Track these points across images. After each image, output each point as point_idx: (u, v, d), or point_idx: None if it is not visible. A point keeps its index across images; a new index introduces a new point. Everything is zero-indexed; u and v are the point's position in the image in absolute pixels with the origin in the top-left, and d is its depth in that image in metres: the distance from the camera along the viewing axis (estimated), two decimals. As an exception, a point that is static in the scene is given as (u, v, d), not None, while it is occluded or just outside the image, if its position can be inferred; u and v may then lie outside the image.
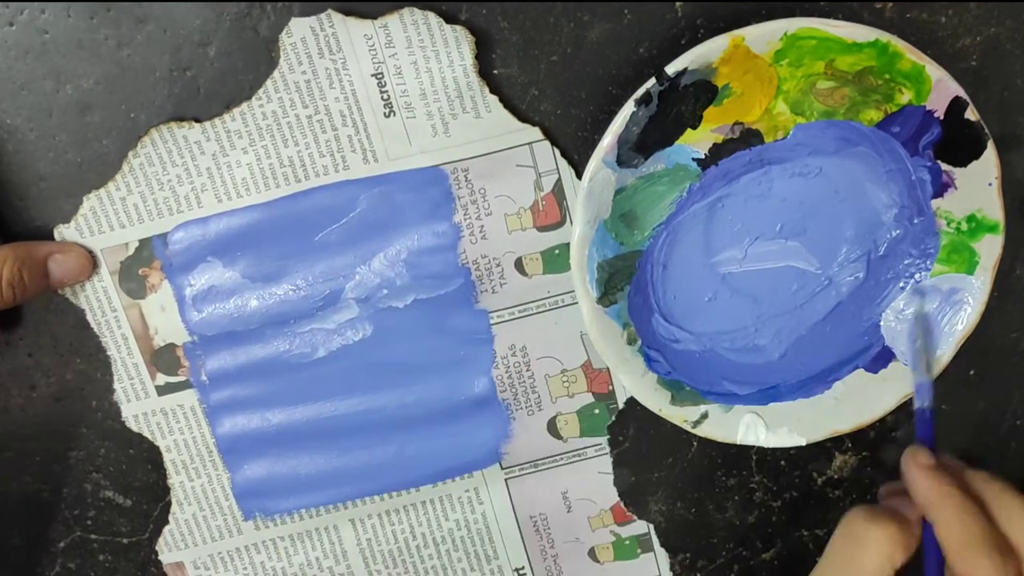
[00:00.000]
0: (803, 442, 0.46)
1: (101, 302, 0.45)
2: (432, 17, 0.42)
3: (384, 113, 0.43)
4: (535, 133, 0.44)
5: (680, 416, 0.45)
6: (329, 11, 0.41)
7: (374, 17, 0.41)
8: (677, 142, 0.42)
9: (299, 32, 0.41)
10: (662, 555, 0.51)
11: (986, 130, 0.42)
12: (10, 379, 0.46)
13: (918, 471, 0.38)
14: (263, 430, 0.47)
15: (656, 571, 0.51)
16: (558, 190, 0.45)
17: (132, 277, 0.44)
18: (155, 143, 0.43)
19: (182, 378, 0.46)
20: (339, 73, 0.42)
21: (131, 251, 0.44)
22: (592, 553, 0.51)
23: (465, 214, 0.45)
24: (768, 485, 0.51)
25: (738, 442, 0.46)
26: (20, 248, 0.42)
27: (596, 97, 0.44)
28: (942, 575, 0.38)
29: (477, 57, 0.42)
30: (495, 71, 0.44)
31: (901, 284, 0.46)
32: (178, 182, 0.43)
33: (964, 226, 0.44)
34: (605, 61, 0.44)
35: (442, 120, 0.43)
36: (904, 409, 0.49)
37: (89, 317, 0.45)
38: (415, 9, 0.41)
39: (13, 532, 0.48)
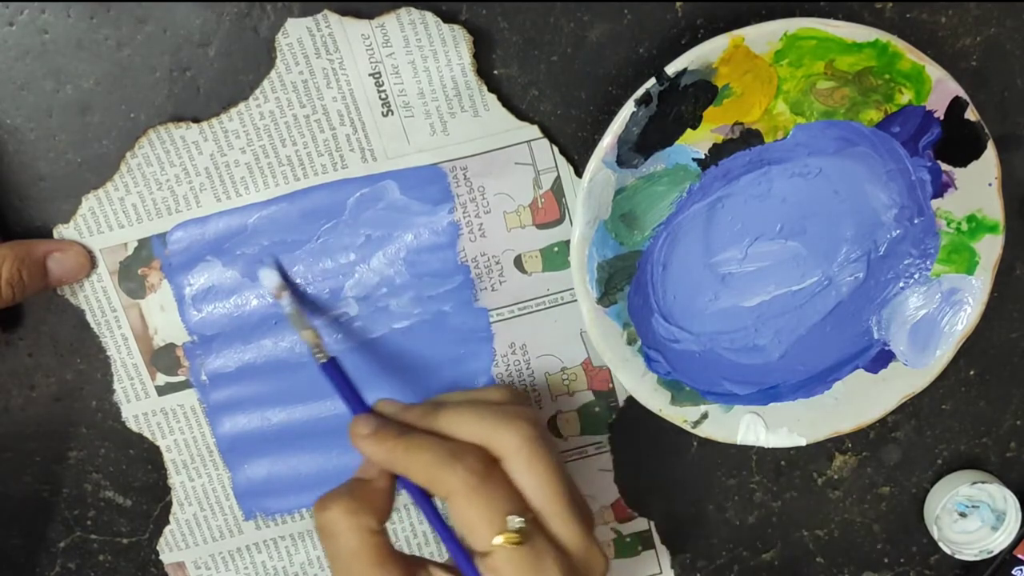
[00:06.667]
0: (803, 442, 0.46)
1: (101, 302, 0.45)
2: (429, 16, 0.41)
3: (382, 112, 0.43)
4: (534, 131, 0.44)
5: (680, 416, 0.45)
6: (325, 11, 0.41)
7: (371, 17, 0.41)
8: (677, 142, 0.42)
9: (295, 32, 0.41)
10: (663, 551, 0.51)
11: (986, 130, 0.42)
12: (10, 379, 0.46)
13: (361, 443, 0.39)
14: (263, 430, 0.47)
15: (657, 568, 0.51)
16: (557, 188, 0.45)
17: (131, 277, 0.44)
18: (152, 143, 0.43)
19: (182, 378, 0.46)
20: (336, 73, 0.42)
21: (130, 251, 0.44)
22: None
23: (464, 212, 0.45)
24: (768, 485, 0.51)
25: (738, 442, 0.46)
26: (19, 247, 0.42)
27: (596, 97, 0.44)
28: (435, 509, 0.39)
29: (476, 56, 0.42)
30: (495, 71, 0.44)
31: (901, 284, 0.46)
32: (176, 182, 0.43)
33: (964, 226, 0.44)
34: (605, 61, 0.44)
35: (440, 119, 0.43)
36: (904, 409, 0.49)
37: (89, 317, 0.45)
38: (412, 9, 0.41)
39: (13, 532, 0.48)
